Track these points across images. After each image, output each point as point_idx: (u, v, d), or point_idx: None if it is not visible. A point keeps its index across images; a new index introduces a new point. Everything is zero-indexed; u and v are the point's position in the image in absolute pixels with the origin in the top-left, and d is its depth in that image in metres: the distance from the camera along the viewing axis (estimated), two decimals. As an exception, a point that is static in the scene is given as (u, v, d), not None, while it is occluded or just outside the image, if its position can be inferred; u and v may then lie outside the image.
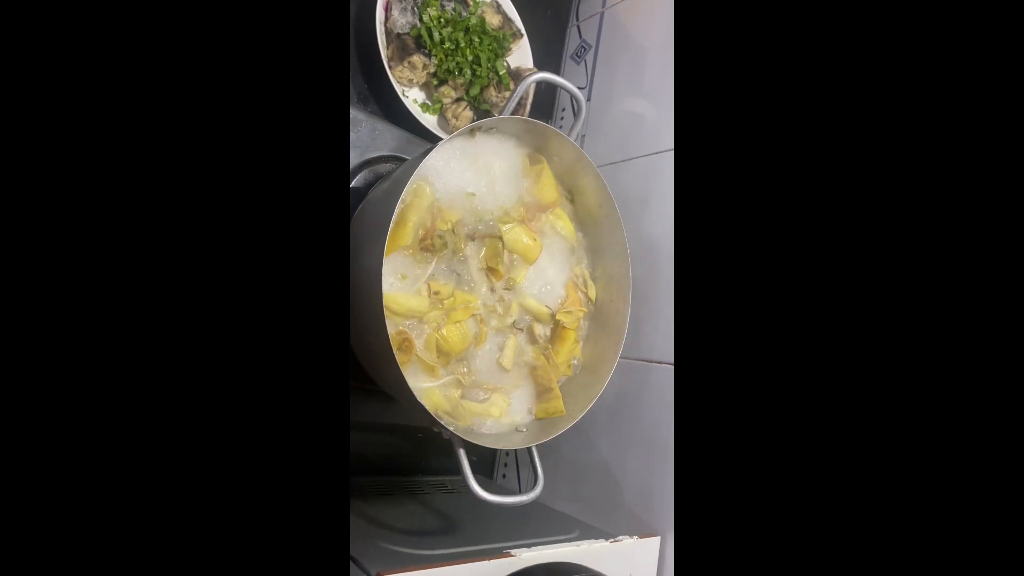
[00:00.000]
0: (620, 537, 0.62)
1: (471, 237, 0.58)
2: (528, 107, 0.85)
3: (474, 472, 0.53)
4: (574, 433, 0.80)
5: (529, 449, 0.58)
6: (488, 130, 0.59)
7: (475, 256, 0.58)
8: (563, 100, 0.96)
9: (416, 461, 0.82)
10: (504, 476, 0.88)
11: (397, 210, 0.52)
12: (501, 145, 0.60)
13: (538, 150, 0.62)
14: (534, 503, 0.78)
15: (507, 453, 0.88)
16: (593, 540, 0.60)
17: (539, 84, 0.90)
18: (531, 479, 0.57)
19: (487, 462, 0.88)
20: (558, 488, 0.80)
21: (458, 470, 0.53)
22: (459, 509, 0.69)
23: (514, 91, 0.57)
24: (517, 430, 0.60)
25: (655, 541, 0.66)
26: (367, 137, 0.63)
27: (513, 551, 0.54)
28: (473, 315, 0.57)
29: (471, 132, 0.57)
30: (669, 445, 0.68)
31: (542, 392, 0.62)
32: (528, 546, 0.55)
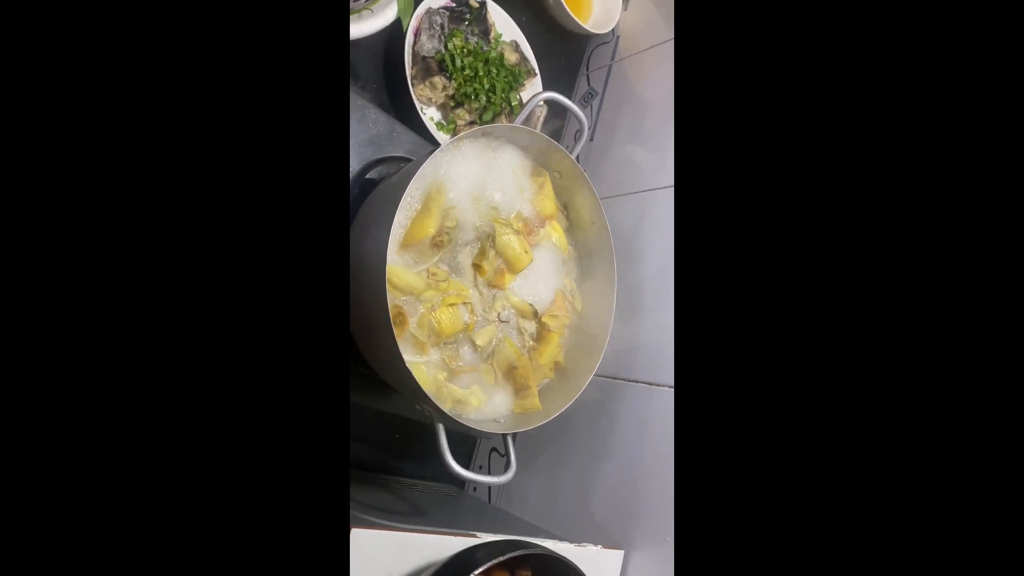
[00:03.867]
0: (584, 544, 0.63)
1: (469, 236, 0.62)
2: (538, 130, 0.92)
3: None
4: (549, 447, 0.82)
5: (504, 437, 0.60)
6: (497, 138, 0.64)
7: (469, 252, 0.62)
8: (567, 137, 1.03)
9: (391, 464, 0.83)
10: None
11: (421, 201, 0.57)
12: (508, 155, 0.66)
13: (541, 164, 0.68)
14: (504, 512, 0.79)
15: (480, 455, 0.90)
16: (558, 540, 0.61)
17: (547, 120, 0.97)
18: (503, 469, 0.59)
19: (462, 462, 0.90)
20: (529, 505, 0.81)
21: (434, 452, 0.55)
22: (429, 503, 0.70)
23: (525, 105, 0.62)
24: (495, 421, 0.63)
25: (619, 554, 0.67)
26: (386, 138, 0.69)
27: (478, 534, 0.55)
28: (464, 303, 0.60)
29: (481, 134, 0.62)
30: (643, 463, 0.70)
31: (520, 390, 0.65)
32: (493, 533, 0.56)
